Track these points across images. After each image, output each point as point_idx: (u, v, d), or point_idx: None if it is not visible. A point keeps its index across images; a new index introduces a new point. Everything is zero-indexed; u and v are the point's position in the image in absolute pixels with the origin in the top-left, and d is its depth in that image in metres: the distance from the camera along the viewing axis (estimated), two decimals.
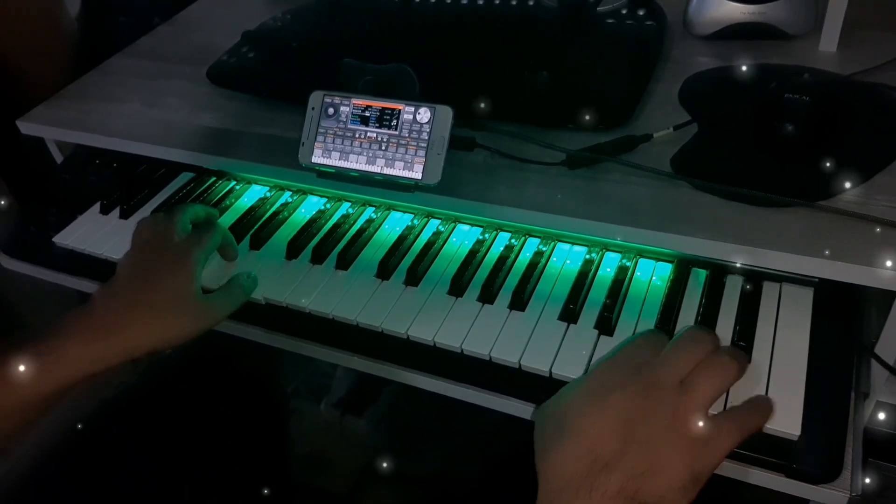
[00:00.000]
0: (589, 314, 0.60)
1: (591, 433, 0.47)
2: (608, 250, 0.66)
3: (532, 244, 0.67)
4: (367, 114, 0.66)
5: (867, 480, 0.51)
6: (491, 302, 0.63)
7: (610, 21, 0.80)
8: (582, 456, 0.46)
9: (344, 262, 0.68)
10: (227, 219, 0.76)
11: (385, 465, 1.21)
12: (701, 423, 0.47)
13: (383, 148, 0.66)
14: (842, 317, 0.57)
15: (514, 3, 0.85)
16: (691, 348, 0.50)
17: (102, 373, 0.60)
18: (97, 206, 0.81)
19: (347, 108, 0.67)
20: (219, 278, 0.68)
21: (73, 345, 0.59)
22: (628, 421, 0.47)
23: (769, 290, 0.60)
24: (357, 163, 0.67)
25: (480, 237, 0.69)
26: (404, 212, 0.73)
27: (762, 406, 0.51)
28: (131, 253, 0.66)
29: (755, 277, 0.61)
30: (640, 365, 0.50)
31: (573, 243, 0.67)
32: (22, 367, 0.59)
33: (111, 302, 0.62)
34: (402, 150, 0.65)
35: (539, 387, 0.57)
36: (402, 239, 0.69)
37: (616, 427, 0.47)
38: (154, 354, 0.61)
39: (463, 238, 0.70)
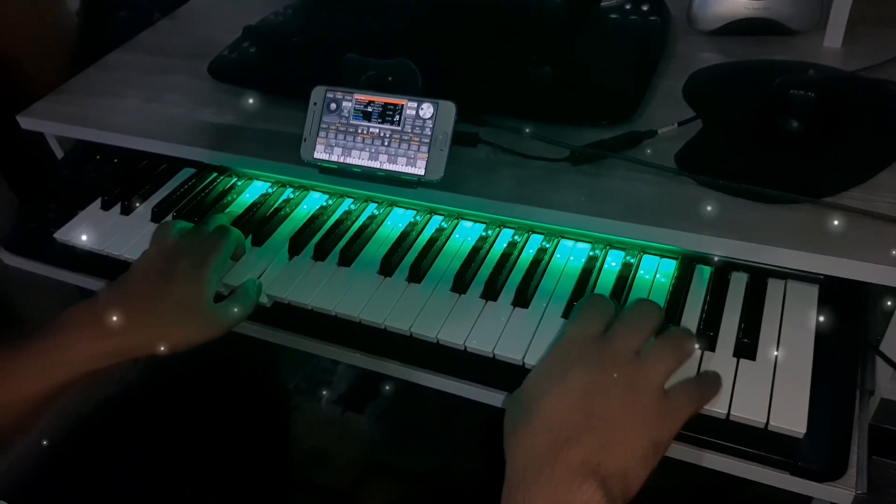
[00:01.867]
0: None
1: (553, 410, 0.49)
2: (612, 247, 0.65)
3: (535, 241, 0.67)
4: (369, 109, 0.66)
5: (872, 478, 0.51)
6: (494, 299, 0.63)
7: (614, 16, 0.79)
8: (545, 433, 0.48)
9: (346, 258, 0.68)
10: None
11: (386, 461, 1.21)
12: (658, 394, 0.49)
13: (386, 144, 0.65)
14: (847, 314, 0.57)
15: None
16: (643, 320, 0.53)
17: (105, 370, 0.60)
18: (98, 202, 0.81)
19: (350, 104, 0.67)
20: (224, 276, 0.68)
21: (76, 342, 0.59)
22: (588, 395, 0.48)
23: (774, 287, 0.59)
24: (359, 159, 0.66)
25: (483, 234, 0.68)
26: (407, 208, 0.73)
27: (712, 379, 0.53)
28: (149, 255, 0.66)
29: (760, 274, 0.60)
30: (596, 338, 0.52)
31: (577, 240, 0.67)
32: (25, 362, 0.59)
33: (119, 301, 0.61)
34: (404, 145, 0.65)
35: None
36: (404, 235, 0.69)
37: (576, 402, 0.48)
38: (158, 357, 0.61)
39: (466, 235, 0.69)
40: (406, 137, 0.65)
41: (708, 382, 0.52)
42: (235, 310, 0.63)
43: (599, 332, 0.53)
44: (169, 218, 0.76)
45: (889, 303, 0.56)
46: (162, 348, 0.60)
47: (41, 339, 0.59)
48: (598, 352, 0.51)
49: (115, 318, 0.59)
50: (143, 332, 0.60)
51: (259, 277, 0.68)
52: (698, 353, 0.55)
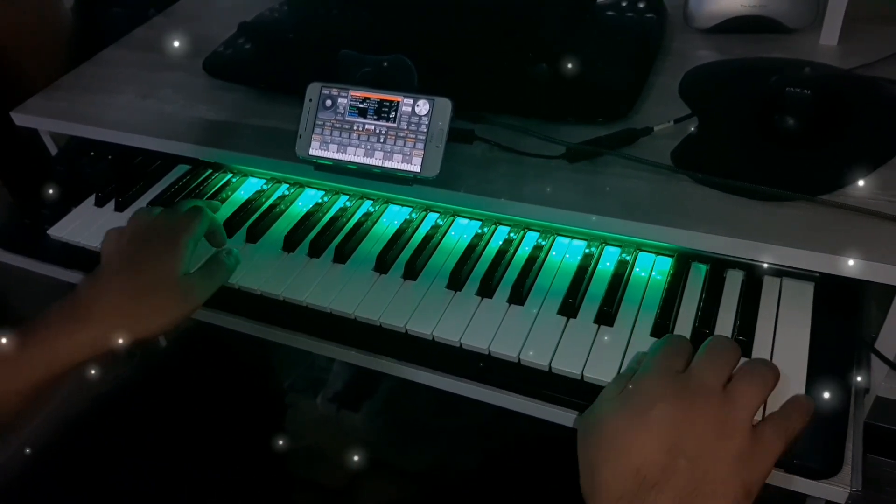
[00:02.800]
0: (588, 308, 0.60)
1: (637, 450, 0.45)
2: (608, 244, 0.65)
3: (531, 238, 0.67)
4: (365, 106, 0.66)
5: (867, 476, 0.51)
6: (490, 296, 0.62)
7: (610, 13, 0.79)
8: (629, 476, 0.44)
9: (342, 255, 0.68)
10: (224, 211, 0.75)
11: (381, 459, 1.21)
12: (748, 431, 0.45)
13: (381, 140, 0.65)
14: (842, 312, 0.57)
15: None
16: (725, 354, 0.49)
17: (91, 361, 0.60)
18: (92, 199, 0.80)
19: (345, 100, 0.66)
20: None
21: (59, 334, 0.59)
22: (675, 433, 0.45)
23: (770, 284, 0.60)
24: (355, 155, 0.66)
25: (479, 231, 0.68)
26: (402, 205, 0.73)
27: (801, 405, 0.48)
28: (120, 237, 0.66)
29: (756, 272, 0.60)
30: (678, 373, 0.49)
31: (572, 237, 0.66)
32: (8, 357, 0.59)
33: (97, 290, 0.62)
34: (400, 142, 0.65)
35: (538, 382, 0.57)
36: (400, 232, 0.69)
37: (662, 440, 0.45)
38: (142, 343, 0.61)
39: (462, 232, 0.69)
40: (402, 134, 0.64)
41: (794, 412, 0.48)
42: (208, 278, 0.63)
43: (681, 368, 0.49)
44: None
45: (884, 301, 0.56)
46: (144, 332, 0.60)
47: (25, 336, 0.59)
48: (682, 387, 0.47)
49: (92, 310, 0.60)
50: (123, 317, 0.60)
51: (256, 275, 0.67)
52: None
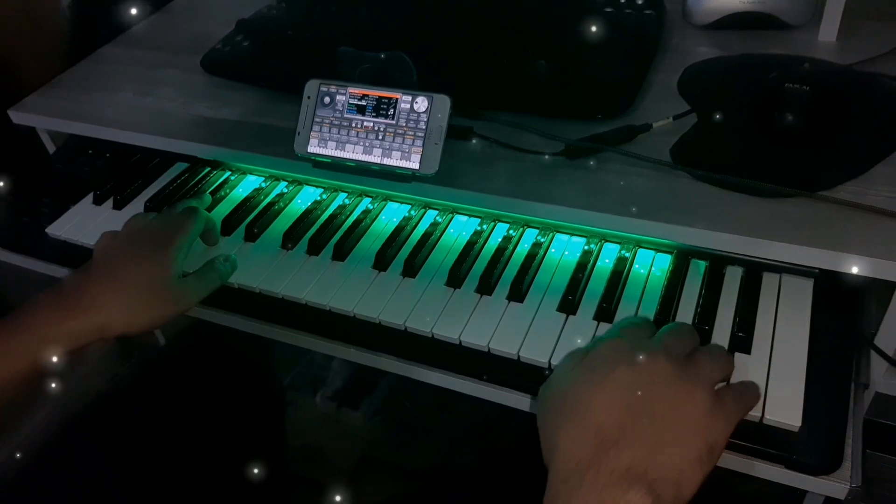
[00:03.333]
0: (588, 305, 0.60)
1: (598, 411, 0.45)
2: (607, 241, 0.65)
3: (530, 235, 0.67)
4: (363, 103, 0.66)
5: (867, 472, 0.51)
6: (489, 293, 0.62)
7: (609, 10, 0.79)
8: (589, 437, 0.44)
9: (340, 253, 0.68)
10: (222, 209, 0.75)
11: (381, 457, 1.21)
12: (711, 392, 0.46)
13: (380, 137, 0.65)
14: (842, 308, 0.57)
15: None
16: (686, 335, 0.51)
17: (76, 350, 0.60)
18: (90, 197, 0.80)
19: (344, 97, 0.66)
20: (199, 263, 0.67)
21: (43, 322, 0.59)
22: (635, 393, 0.45)
23: (769, 281, 0.59)
24: (353, 152, 0.66)
25: (478, 228, 0.68)
26: (401, 202, 0.73)
27: (752, 386, 0.51)
28: (116, 237, 0.67)
29: (755, 268, 0.60)
30: (643, 340, 0.50)
31: (572, 234, 0.66)
32: None
33: (85, 280, 0.62)
34: (399, 139, 0.64)
35: (538, 379, 0.56)
36: (399, 230, 0.69)
37: (623, 401, 0.45)
38: (128, 336, 0.61)
39: (461, 229, 0.69)
40: (401, 131, 0.64)
41: (750, 389, 0.50)
42: (201, 283, 0.64)
43: (646, 337, 0.50)
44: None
45: (884, 297, 0.56)
46: (131, 326, 0.61)
47: (9, 323, 0.60)
48: (644, 350, 0.48)
49: (81, 299, 0.60)
50: (110, 311, 0.60)
51: (255, 272, 0.67)
52: None
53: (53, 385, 0.62)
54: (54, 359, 0.59)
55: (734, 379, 0.52)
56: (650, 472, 0.42)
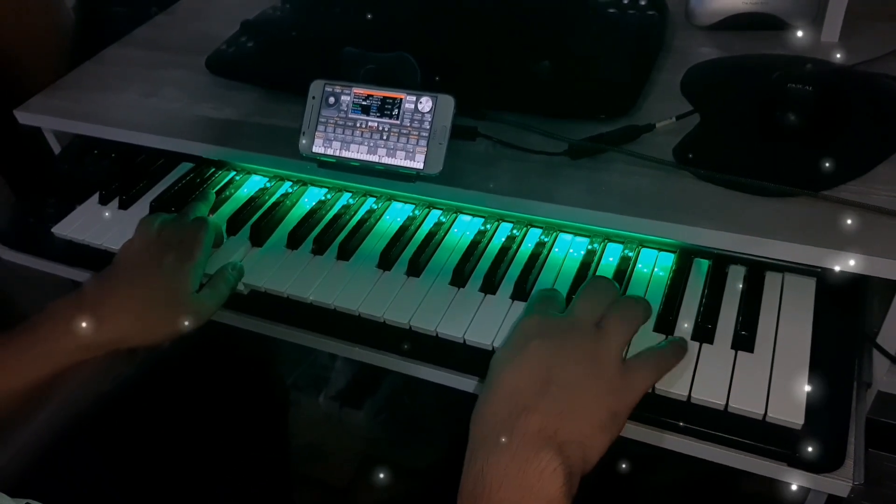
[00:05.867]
0: None
1: (513, 380, 0.49)
2: (610, 241, 0.65)
3: (534, 234, 0.67)
4: (368, 103, 0.66)
5: (869, 471, 0.51)
6: (493, 292, 0.63)
7: (612, 11, 0.79)
8: (504, 402, 0.48)
9: (345, 252, 0.68)
10: (227, 209, 0.76)
11: (384, 457, 1.21)
12: (616, 363, 0.50)
13: (384, 137, 0.65)
14: (844, 307, 0.57)
15: None
16: (598, 294, 0.54)
17: (92, 361, 0.61)
18: (96, 197, 0.81)
19: (348, 98, 0.67)
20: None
21: (63, 333, 0.60)
22: (547, 364, 0.49)
23: (772, 280, 0.60)
24: (358, 152, 0.66)
25: (482, 228, 0.69)
26: (405, 202, 0.73)
27: (676, 347, 0.54)
28: (134, 248, 0.67)
29: (758, 267, 0.61)
30: (555, 314, 0.53)
31: (575, 234, 0.67)
32: (12, 355, 0.59)
33: (105, 293, 0.63)
34: (403, 139, 0.65)
35: None
36: (403, 229, 0.69)
37: (536, 371, 0.49)
38: (144, 348, 0.62)
39: (464, 229, 0.69)
40: (405, 131, 0.65)
41: (669, 351, 0.53)
42: (215, 296, 0.65)
43: (558, 311, 0.54)
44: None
45: (886, 296, 0.56)
46: (148, 339, 0.62)
47: (27, 332, 0.60)
48: (557, 324, 0.52)
49: (100, 310, 0.60)
50: (128, 325, 0.61)
51: (260, 272, 0.68)
52: (695, 344, 0.56)
53: (58, 387, 0.62)
54: (72, 367, 0.60)
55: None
56: (559, 435, 0.46)
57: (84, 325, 0.60)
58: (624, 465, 0.62)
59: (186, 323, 0.63)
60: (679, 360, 0.53)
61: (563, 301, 0.57)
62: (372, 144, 0.66)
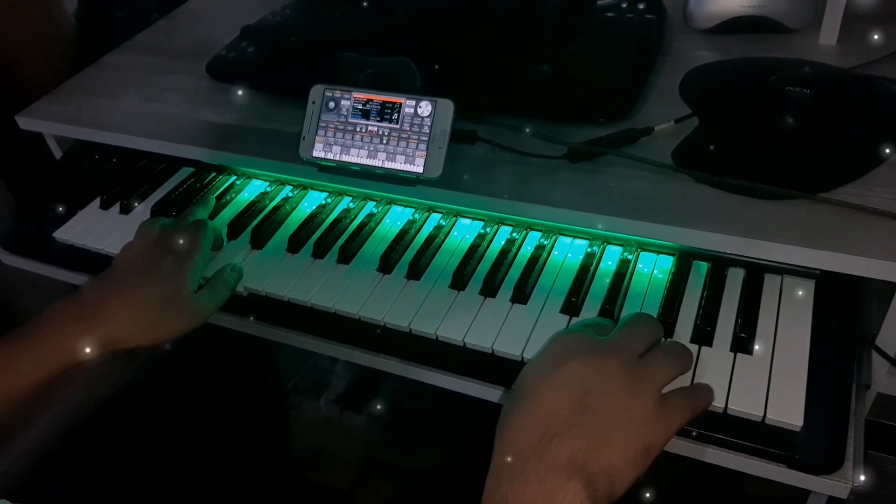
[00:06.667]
0: (591, 307, 0.60)
1: (546, 401, 0.47)
2: (609, 244, 0.66)
3: (533, 238, 0.67)
4: (367, 107, 0.66)
5: (868, 472, 0.51)
6: (493, 295, 0.63)
7: (610, 14, 0.80)
8: (535, 424, 0.46)
9: (345, 256, 0.68)
10: (228, 213, 0.76)
11: (384, 460, 1.21)
12: (656, 396, 0.48)
13: (384, 142, 0.66)
14: (843, 309, 0.57)
15: None
16: (645, 329, 0.52)
17: (91, 363, 0.61)
18: (97, 202, 0.81)
19: (348, 102, 0.67)
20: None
21: (62, 335, 0.60)
22: (584, 389, 0.47)
23: (771, 282, 0.60)
24: (358, 157, 0.66)
25: (482, 231, 0.69)
26: (405, 206, 0.73)
27: (706, 390, 0.52)
28: (133, 250, 0.67)
29: (757, 270, 0.61)
30: (597, 338, 0.51)
31: (575, 237, 0.67)
32: (10, 357, 0.59)
33: (102, 293, 0.63)
34: (403, 143, 0.65)
35: None
36: (403, 233, 0.69)
37: (571, 394, 0.47)
38: (143, 349, 0.62)
39: (464, 232, 0.70)
40: (405, 135, 0.65)
41: (702, 393, 0.52)
42: (213, 297, 0.65)
43: (604, 334, 0.52)
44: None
45: (885, 298, 0.56)
46: (147, 340, 0.62)
47: (25, 335, 0.60)
48: (598, 346, 0.50)
49: (98, 311, 0.61)
50: (127, 325, 0.61)
51: (261, 276, 0.68)
52: (695, 347, 0.56)
53: (59, 390, 0.63)
54: (71, 370, 0.60)
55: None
56: (589, 466, 0.44)
57: (82, 326, 0.60)
58: None
59: (185, 323, 0.63)
60: (710, 404, 0.52)
61: (610, 328, 0.54)
62: (372, 149, 0.66)
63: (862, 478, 0.50)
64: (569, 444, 0.45)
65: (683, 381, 0.53)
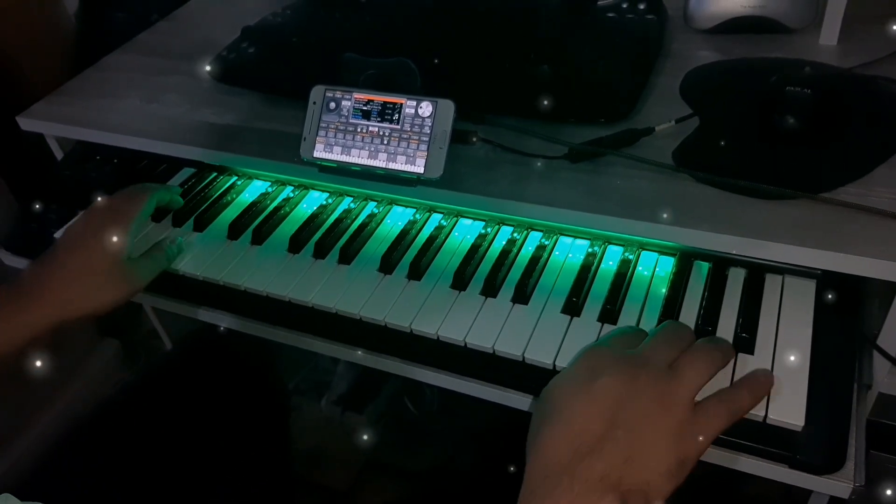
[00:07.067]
0: (592, 307, 0.60)
1: (577, 418, 0.47)
2: (610, 244, 0.66)
3: (534, 238, 0.67)
4: (368, 108, 0.66)
5: (869, 472, 0.51)
6: (494, 295, 0.63)
7: (611, 15, 0.80)
8: (567, 442, 0.46)
9: (346, 256, 0.68)
10: (229, 214, 0.76)
11: (385, 461, 1.21)
12: (689, 407, 0.47)
13: (385, 142, 0.66)
14: (844, 309, 0.57)
15: None
16: (675, 337, 0.51)
17: (42, 336, 0.63)
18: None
19: (349, 103, 0.67)
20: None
21: (4, 316, 0.61)
22: (615, 405, 0.46)
23: (772, 282, 0.60)
24: (359, 157, 0.67)
25: (483, 231, 0.69)
26: (406, 206, 0.73)
27: (756, 384, 0.50)
28: (71, 227, 0.70)
29: (758, 270, 0.61)
30: (627, 351, 0.51)
31: (575, 237, 0.67)
32: None
33: (41, 269, 0.65)
34: (403, 144, 0.65)
35: (542, 380, 0.57)
36: (404, 233, 0.69)
37: (603, 411, 0.46)
38: (88, 317, 0.64)
39: (465, 232, 0.70)
40: (405, 136, 0.65)
41: (748, 388, 0.50)
42: (149, 265, 0.68)
43: (632, 347, 0.51)
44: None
45: (886, 297, 0.56)
46: (86, 309, 0.64)
47: None
48: (629, 362, 0.49)
49: (34, 289, 0.63)
50: (64, 297, 0.63)
51: (262, 276, 0.68)
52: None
53: (59, 390, 0.63)
54: (16, 352, 0.62)
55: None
56: (623, 483, 0.43)
57: (17, 305, 0.62)
58: None
59: (120, 290, 0.66)
60: (761, 399, 0.50)
61: (639, 337, 0.53)
62: (373, 149, 0.66)
63: (863, 477, 0.50)
64: (602, 461, 0.44)
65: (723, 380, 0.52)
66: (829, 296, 0.58)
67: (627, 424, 0.45)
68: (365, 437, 1.24)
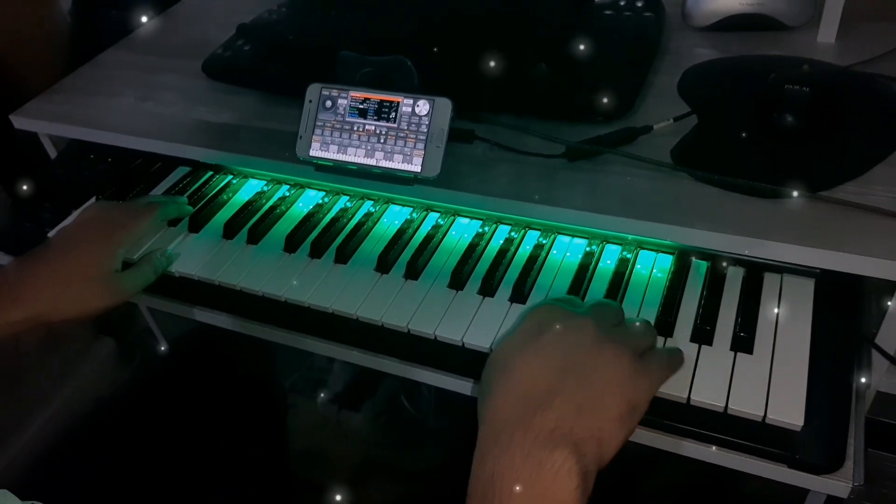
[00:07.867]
0: None
1: (526, 373, 0.47)
2: (609, 242, 0.65)
3: (532, 237, 0.67)
4: (365, 106, 0.66)
5: (869, 471, 0.51)
6: (491, 295, 0.63)
7: (608, 13, 0.79)
8: (518, 397, 0.46)
9: (343, 255, 0.68)
10: (225, 213, 0.76)
11: (382, 460, 1.21)
12: (633, 357, 0.48)
13: (382, 141, 0.65)
14: (843, 307, 0.57)
15: None
16: (610, 310, 0.54)
17: (21, 336, 0.63)
18: (92, 201, 0.80)
19: (345, 101, 0.66)
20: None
21: None
22: (564, 356, 0.47)
23: (770, 281, 0.60)
24: (355, 156, 0.66)
25: (480, 230, 0.68)
26: (403, 205, 0.73)
27: (677, 352, 0.54)
28: (65, 229, 0.69)
29: (756, 269, 0.60)
30: (570, 310, 0.52)
31: (573, 236, 0.67)
32: None
33: (23, 270, 0.65)
34: (400, 142, 0.65)
35: None
36: (401, 232, 0.69)
37: (550, 364, 0.47)
38: (65, 323, 0.64)
39: (462, 231, 0.69)
40: (402, 134, 0.65)
41: (674, 354, 0.54)
42: (136, 278, 0.67)
43: (576, 307, 0.53)
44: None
45: (884, 296, 0.56)
46: (66, 314, 0.64)
47: None
48: (572, 316, 0.50)
49: (16, 287, 0.63)
50: (45, 299, 0.63)
51: (258, 276, 0.68)
52: (694, 346, 0.56)
53: (55, 387, 0.63)
54: None
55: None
56: (575, 433, 0.44)
57: (4, 302, 0.62)
58: (623, 467, 0.61)
59: (104, 300, 0.65)
60: (681, 365, 0.54)
61: (579, 305, 0.55)
62: (369, 148, 0.66)
63: (863, 476, 0.50)
64: (553, 413, 0.45)
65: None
66: (828, 294, 0.58)
67: (576, 374, 0.46)
68: (361, 436, 1.24)
